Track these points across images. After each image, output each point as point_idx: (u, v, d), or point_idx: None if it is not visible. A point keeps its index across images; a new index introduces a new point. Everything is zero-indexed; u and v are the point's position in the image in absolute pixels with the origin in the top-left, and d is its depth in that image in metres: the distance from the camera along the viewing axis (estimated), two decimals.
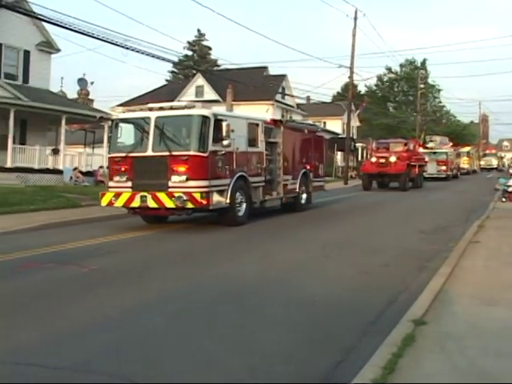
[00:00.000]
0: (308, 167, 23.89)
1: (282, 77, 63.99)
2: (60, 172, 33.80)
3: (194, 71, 71.55)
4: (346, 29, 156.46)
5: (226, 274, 10.90)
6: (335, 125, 77.63)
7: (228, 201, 17.24)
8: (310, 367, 6.16)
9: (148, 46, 26.00)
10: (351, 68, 49.13)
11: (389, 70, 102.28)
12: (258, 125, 19.96)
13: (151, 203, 16.54)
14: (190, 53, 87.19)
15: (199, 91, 62.17)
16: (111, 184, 17.72)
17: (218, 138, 16.80)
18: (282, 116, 56.58)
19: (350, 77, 50.02)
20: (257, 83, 53.43)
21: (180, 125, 17.38)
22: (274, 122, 21.86)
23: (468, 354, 6.08)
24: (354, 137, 71.22)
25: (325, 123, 76.52)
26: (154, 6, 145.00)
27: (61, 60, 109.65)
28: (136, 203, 16.83)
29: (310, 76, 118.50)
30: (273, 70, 66.56)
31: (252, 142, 19.34)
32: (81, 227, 17.87)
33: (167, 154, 16.49)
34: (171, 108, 17.72)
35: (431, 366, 5.76)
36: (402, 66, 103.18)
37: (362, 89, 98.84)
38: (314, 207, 24.29)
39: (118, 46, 23.22)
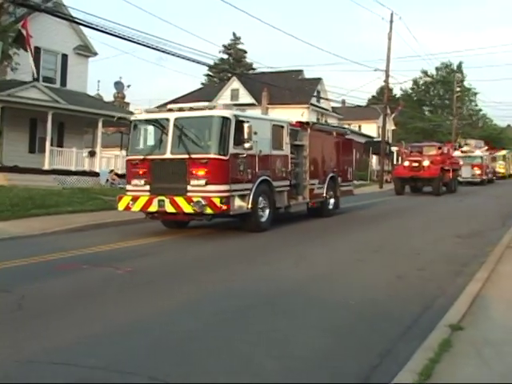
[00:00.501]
0: (336, 171, 23.04)
1: (317, 80, 63.91)
2: (96, 174, 34.08)
3: (230, 74, 71.81)
4: (382, 32, 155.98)
5: (261, 278, 10.91)
6: (370, 128, 77.40)
7: (250, 206, 16.61)
8: (345, 371, 6.14)
9: (184, 50, 26.17)
10: (387, 71, 48.92)
11: (424, 73, 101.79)
12: (283, 127, 19.19)
13: (169, 208, 15.94)
14: (225, 56, 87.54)
15: (234, 94, 62.33)
16: (129, 188, 17.17)
17: (239, 141, 16.14)
18: (317, 119, 56.59)
19: (386, 80, 49.84)
20: (292, 87, 53.51)
21: (200, 126, 16.59)
22: (301, 124, 21.16)
23: (506, 359, 6.03)
24: (389, 140, 70.79)
25: (360, 127, 76.44)
26: (190, 9, 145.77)
27: (98, 63, 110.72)
28: (154, 208, 16.27)
29: (345, 79, 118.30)
30: (308, 74, 66.63)
31: (276, 144, 18.61)
32: (116, 229, 18.00)
33: (186, 156, 15.89)
34: (191, 109, 16.93)
35: (468, 372, 5.71)
36: (437, 69, 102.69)
37: (397, 92, 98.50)
38: (342, 212, 23.61)
39: (154, 49, 23.37)
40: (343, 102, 70.47)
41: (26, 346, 6.82)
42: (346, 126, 32.23)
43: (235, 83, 63.52)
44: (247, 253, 14.22)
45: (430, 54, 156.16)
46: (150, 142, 17.27)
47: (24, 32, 21.15)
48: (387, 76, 49.19)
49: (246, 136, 16.02)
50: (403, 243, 15.36)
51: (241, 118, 16.37)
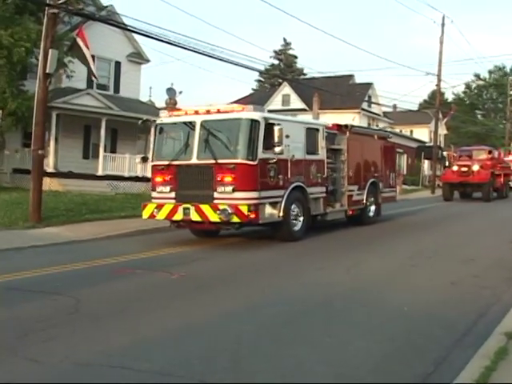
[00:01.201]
0: (377, 176, 21.95)
1: (368, 85, 63.68)
2: (149, 180, 34.36)
3: (281, 80, 71.94)
4: (434, 35, 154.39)
5: (314, 284, 10.88)
6: (422, 133, 76.74)
7: (281, 214, 15.69)
8: (400, 378, 6.09)
9: (235, 55, 26.24)
10: (438, 75, 48.45)
11: (477, 76, 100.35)
12: (318, 130, 18.16)
13: (194, 216, 15.10)
14: (276, 62, 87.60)
15: (286, 100, 62.46)
16: (154, 195, 16.39)
17: (269, 145, 15.22)
18: (369, 124, 56.33)
19: (438, 84, 49.41)
20: (343, 91, 53.32)
21: (227, 129, 15.57)
22: (338, 127, 20.06)
23: None
24: (442, 145, 70.10)
25: (411, 131, 75.85)
26: (240, 15, 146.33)
27: (150, 70, 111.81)
28: (179, 216, 15.45)
29: (396, 84, 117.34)
30: (359, 78, 66.41)
31: (311, 148, 17.59)
32: (168, 234, 17.99)
33: (213, 162, 15.03)
34: (218, 111, 15.85)
35: None
36: (490, 72, 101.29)
37: (449, 96, 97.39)
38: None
39: (205, 55, 23.50)
40: (394, 106, 69.84)
41: (82, 348, 6.93)
42: (389, 129, 30.75)
43: (286, 89, 63.66)
44: (298, 258, 14.20)
45: (483, 56, 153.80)
46: (176, 146, 16.55)
47: (79, 40, 21.40)
48: (439, 80, 48.74)
49: (276, 140, 15.12)
50: (456, 249, 15.14)
51: (271, 121, 15.49)
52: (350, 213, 19.90)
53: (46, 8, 19.51)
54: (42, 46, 19.33)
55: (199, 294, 10.07)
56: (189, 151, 15.63)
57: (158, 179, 16.16)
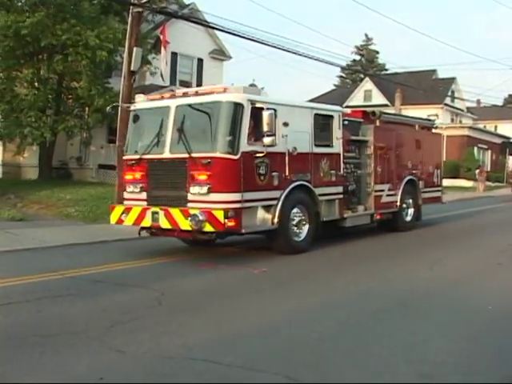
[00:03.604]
0: (416, 173, 18.85)
1: (451, 80, 62.59)
2: None
3: (362, 76, 71.45)
4: None
5: (394, 280, 10.81)
6: (507, 128, 74.87)
7: (276, 220, 12.94)
8: (482, 379, 5.97)
9: (317, 52, 26.26)
10: None
11: None
12: (331, 117, 14.99)
13: (164, 223, 12.52)
14: (357, 57, 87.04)
15: (367, 95, 62.01)
16: (125, 195, 13.92)
17: (257, 134, 12.61)
18: (452, 120, 55.42)
19: None
20: (425, 87, 52.60)
21: (205, 115, 12.80)
22: (364, 114, 17.33)
23: None
24: None
25: (496, 127, 74.21)
26: (322, 11, 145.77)
27: (232, 66, 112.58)
28: (147, 222, 12.91)
29: (480, 78, 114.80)
30: (441, 73, 65.32)
31: (322, 139, 14.56)
32: None
33: (186, 156, 12.40)
34: (196, 93, 13.29)
35: None
36: None
37: None
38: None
39: (288, 51, 23.57)
40: (478, 101, 68.61)
41: (165, 341, 7.07)
42: (433, 118, 26.03)
43: (368, 84, 63.20)
44: (378, 253, 14.10)
45: None
46: (149, 137, 13.53)
47: (162, 38, 21.87)
48: None
49: (265, 128, 12.37)
50: None
51: (259, 105, 12.55)
52: (378, 217, 17.03)
53: (131, 7, 19.92)
54: (126, 44, 19.76)
55: (280, 289, 10.12)
56: (161, 143, 13.06)
57: (129, 176, 13.73)
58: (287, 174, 13.26)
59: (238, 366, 6.17)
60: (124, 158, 14.13)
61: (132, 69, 19.36)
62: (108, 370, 6.11)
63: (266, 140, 12.43)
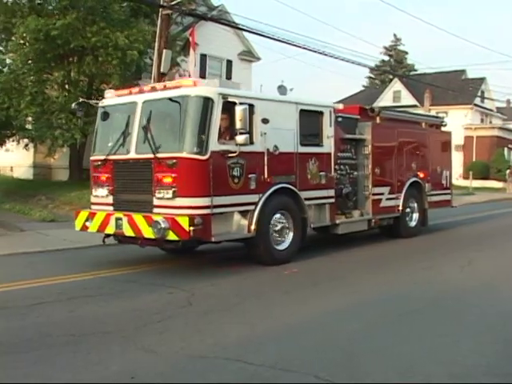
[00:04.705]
0: (421, 175, 17.36)
1: (481, 80, 62.06)
2: None
3: (391, 76, 71.19)
4: None
5: (424, 282, 10.77)
6: None
7: (253, 227, 11.75)
8: None
9: (346, 52, 26.22)
10: None
11: None
12: (321, 113, 13.69)
13: (127, 230, 11.42)
14: (386, 58, 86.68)
15: (396, 96, 61.73)
16: (92, 199, 12.85)
17: (229, 132, 11.60)
18: (482, 121, 55.01)
19: None
20: (455, 87, 52.26)
21: (172, 111, 11.69)
22: (361, 110, 16.00)
23: None
24: None
25: None
26: (350, 11, 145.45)
27: (260, 68, 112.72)
28: (111, 229, 11.81)
29: (510, 78, 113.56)
30: (471, 73, 64.78)
31: (310, 138, 13.44)
32: None
33: (151, 156, 11.30)
34: (164, 88, 12.04)
35: None
36: None
37: None
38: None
39: (316, 52, 23.58)
40: (508, 101, 68.06)
41: (196, 341, 7.11)
42: (442, 115, 24.04)
43: (397, 85, 62.90)
44: (409, 255, 14.03)
45: None
46: (116, 135, 12.44)
47: (191, 40, 22.03)
48: None
49: (238, 125, 11.17)
50: None
51: (232, 99, 11.34)
52: (376, 223, 15.72)
53: (160, 10, 20.05)
54: (156, 46, 19.91)
55: (310, 290, 10.12)
56: (127, 142, 11.99)
57: (96, 179, 12.68)
58: (266, 176, 12.05)
59: (269, 366, 6.19)
60: (90, 158, 13.08)
61: (162, 71, 19.50)
62: (140, 369, 6.16)
63: (239, 138, 11.25)
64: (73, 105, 15.42)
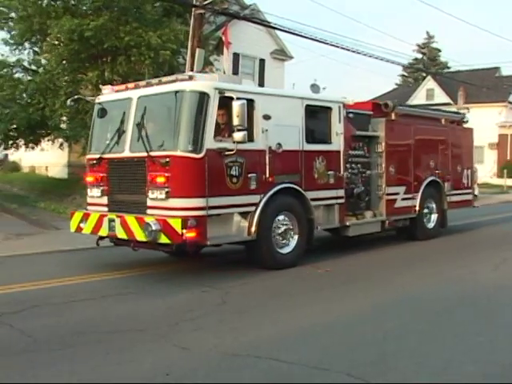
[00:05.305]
0: (440, 174, 16.52)
1: None
2: None
3: (424, 74, 70.69)
4: None
5: (456, 281, 10.70)
6: None
7: (254, 229, 11.13)
8: None
9: (378, 50, 26.11)
10: None
11: None
12: (329, 109, 13.05)
13: (120, 232, 10.86)
14: (419, 55, 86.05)
15: (429, 94, 61.19)
16: (88, 200, 12.35)
17: (228, 129, 10.91)
18: None
19: None
20: (489, 84, 51.67)
21: (166, 108, 11.21)
22: (374, 106, 15.32)
23: None
24: None
25: None
26: (383, 9, 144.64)
27: (293, 66, 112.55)
28: (104, 231, 11.27)
29: None
30: (505, 71, 63.98)
31: (316, 135, 12.87)
32: None
33: (145, 154, 10.77)
34: (160, 82, 11.45)
35: None
36: None
37: None
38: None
39: (349, 50, 23.51)
40: None
41: (229, 339, 7.15)
42: (463, 111, 22.14)
43: (430, 83, 62.36)
44: (440, 254, 13.92)
45: None
46: (111, 133, 11.94)
47: (224, 39, 22.08)
48: None
49: (235, 121, 10.52)
50: None
51: (228, 94, 10.73)
52: (390, 224, 14.97)
53: (193, 9, 20.10)
54: (189, 45, 19.97)
55: (343, 289, 10.16)
56: (122, 140, 11.49)
57: (90, 178, 12.16)
58: (268, 175, 11.43)
59: (302, 365, 6.20)
60: (86, 157, 12.61)
61: (195, 70, 19.54)
62: (173, 366, 6.21)
63: (237, 136, 10.59)
64: (68, 101, 15.27)
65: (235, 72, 32.57)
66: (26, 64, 27.12)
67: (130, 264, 12.25)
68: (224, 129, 10.94)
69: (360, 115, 14.37)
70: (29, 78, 26.71)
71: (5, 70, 26.50)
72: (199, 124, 10.46)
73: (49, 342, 7.12)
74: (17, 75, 27.10)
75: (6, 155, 44.39)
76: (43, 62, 26.79)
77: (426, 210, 16.13)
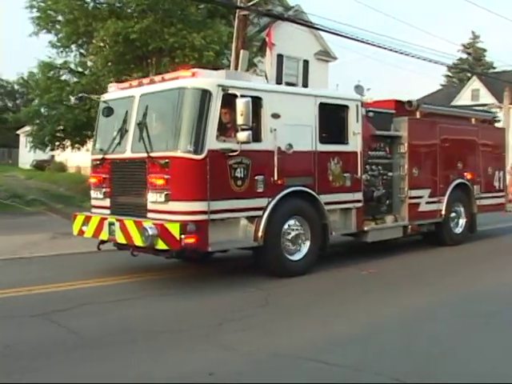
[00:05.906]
0: (469, 176, 15.51)
1: None
2: None
3: (469, 75, 69.91)
4: None
5: (503, 284, 10.56)
6: None
7: (261, 234, 10.44)
8: None
9: (423, 51, 25.91)
10: None
11: None
12: (345, 107, 12.26)
13: (119, 236, 10.35)
14: (464, 56, 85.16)
15: (475, 95, 60.47)
16: (92, 202, 11.94)
17: (233, 129, 10.27)
18: None
19: None
20: None
21: (168, 106, 10.66)
22: (397, 104, 14.34)
23: None
24: None
25: None
26: (428, 9, 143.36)
27: (337, 67, 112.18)
28: (105, 235, 10.76)
29: None
30: None
31: (331, 135, 12.04)
32: None
33: (145, 155, 10.22)
34: (162, 79, 10.95)
35: None
36: None
37: None
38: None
39: (393, 51, 23.33)
40: None
41: (273, 339, 7.15)
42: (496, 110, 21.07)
43: (475, 83, 61.64)
44: (477, 259, 13.78)
45: None
46: (114, 132, 11.35)
47: (268, 40, 22.13)
48: None
49: (240, 120, 9.87)
50: None
51: (232, 91, 10.09)
52: (413, 230, 14.08)
53: (237, 11, 20.17)
54: (233, 47, 20.04)
55: (388, 291, 10.07)
56: (124, 140, 10.97)
57: (93, 179, 11.75)
58: (277, 177, 10.70)
59: (346, 367, 6.18)
60: (91, 157, 12.06)
61: (239, 71, 19.60)
62: (217, 366, 6.22)
63: (241, 135, 9.94)
64: (72, 99, 14.91)
65: (279, 74, 32.57)
66: (72, 66, 27.59)
67: (172, 266, 12.23)
68: (229, 128, 10.38)
69: (381, 114, 13.70)
70: (75, 79, 27.08)
71: (52, 72, 26.97)
72: (200, 123, 9.88)
73: (98, 340, 7.20)
74: (63, 77, 27.57)
75: (53, 156, 45.08)
76: (89, 64, 27.16)
77: (453, 214, 15.22)
